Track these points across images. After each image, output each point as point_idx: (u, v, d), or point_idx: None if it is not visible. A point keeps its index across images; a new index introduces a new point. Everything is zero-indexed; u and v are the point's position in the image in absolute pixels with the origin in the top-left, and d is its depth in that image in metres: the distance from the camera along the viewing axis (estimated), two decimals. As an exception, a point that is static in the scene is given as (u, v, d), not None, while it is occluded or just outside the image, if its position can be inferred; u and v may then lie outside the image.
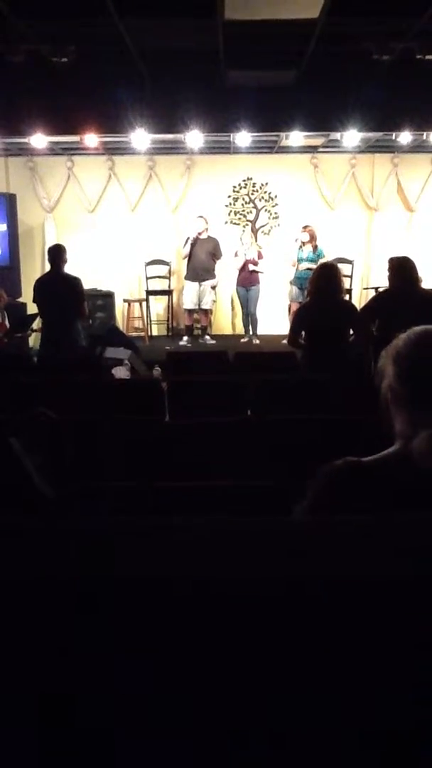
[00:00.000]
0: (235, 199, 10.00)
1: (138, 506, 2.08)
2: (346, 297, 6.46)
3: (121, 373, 5.79)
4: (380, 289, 5.87)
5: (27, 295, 8.13)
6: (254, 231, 9.74)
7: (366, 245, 10.07)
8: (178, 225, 9.80)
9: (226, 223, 9.91)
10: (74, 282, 5.88)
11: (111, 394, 3.98)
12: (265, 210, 10.02)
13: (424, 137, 8.36)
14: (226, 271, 9.20)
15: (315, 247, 8.68)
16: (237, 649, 0.78)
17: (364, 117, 6.92)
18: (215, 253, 8.90)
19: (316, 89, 6.56)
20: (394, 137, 8.39)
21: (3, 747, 0.79)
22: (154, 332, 9.88)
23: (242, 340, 8.96)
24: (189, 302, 8.99)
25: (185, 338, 9.05)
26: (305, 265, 8.52)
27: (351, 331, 4.66)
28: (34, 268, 9.65)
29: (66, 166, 9.69)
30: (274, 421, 2.97)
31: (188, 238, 8.86)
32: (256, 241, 9.26)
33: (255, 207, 10.01)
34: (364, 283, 10.00)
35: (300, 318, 4.78)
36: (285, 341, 5.14)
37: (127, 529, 0.90)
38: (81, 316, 6.14)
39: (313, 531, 0.92)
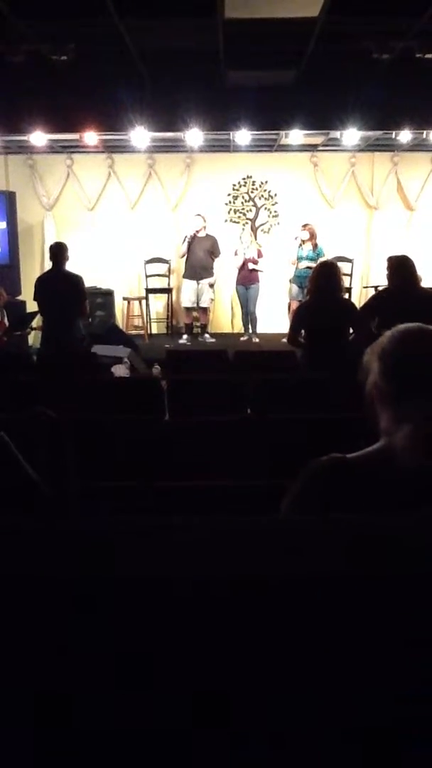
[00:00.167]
0: (235, 198, 9.99)
1: (138, 506, 2.08)
2: (346, 295, 6.46)
3: (120, 371, 5.80)
4: (380, 288, 5.87)
5: (26, 294, 8.14)
6: (254, 229, 9.73)
7: (366, 244, 10.07)
8: (178, 223, 9.80)
9: (226, 221, 9.90)
10: (76, 280, 5.88)
11: (110, 392, 3.98)
12: (265, 208, 10.02)
13: (424, 136, 8.37)
14: (226, 270, 9.20)
15: (315, 246, 8.67)
16: (237, 649, 0.78)
17: (364, 116, 6.91)
18: (213, 251, 8.89)
19: (316, 88, 6.55)
20: (394, 136, 8.40)
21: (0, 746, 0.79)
22: (154, 330, 9.88)
23: (242, 339, 8.96)
24: (187, 300, 8.99)
25: (185, 337, 9.05)
26: (305, 263, 8.51)
27: (351, 330, 4.66)
28: (33, 267, 9.65)
29: (65, 164, 9.68)
30: (273, 420, 2.98)
31: (186, 237, 8.86)
32: (255, 239, 9.25)
33: (255, 205, 10.00)
34: (364, 281, 10.00)
35: (300, 316, 4.78)
36: (285, 340, 5.14)
37: (127, 529, 0.91)
38: (82, 315, 6.13)
39: (313, 530, 0.92)
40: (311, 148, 9.35)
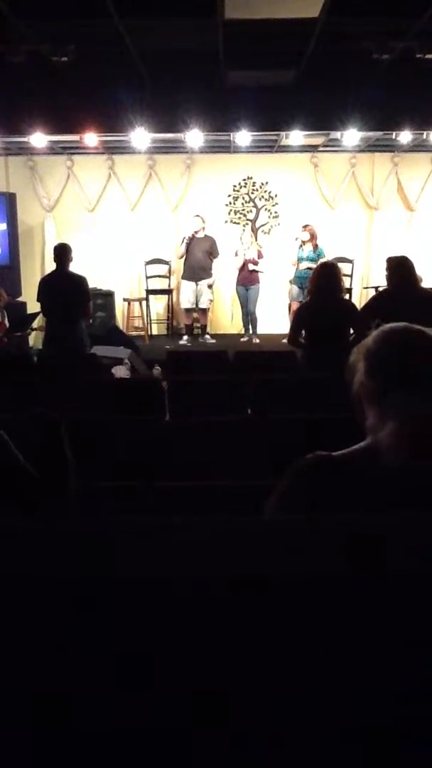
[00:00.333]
0: (235, 199, 9.99)
1: (138, 506, 2.08)
2: (347, 296, 6.46)
3: (121, 372, 5.80)
4: (380, 289, 5.87)
5: (27, 295, 8.15)
6: (254, 230, 9.74)
7: (366, 244, 10.07)
8: (178, 224, 9.80)
9: (226, 222, 9.91)
10: (80, 281, 5.86)
11: (111, 393, 3.99)
12: (265, 209, 10.02)
13: (424, 136, 8.36)
14: (226, 270, 9.20)
15: (315, 246, 8.67)
16: (237, 649, 0.78)
17: (364, 116, 6.92)
18: (212, 252, 8.89)
19: (316, 89, 6.56)
20: (394, 136, 8.40)
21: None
22: (154, 331, 9.89)
23: (242, 340, 8.96)
24: (186, 301, 9.00)
25: (185, 337, 9.05)
26: (305, 264, 8.52)
27: (351, 331, 4.66)
28: (33, 268, 9.66)
29: (66, 166, 9.69)
30: (274, 420, 2.98)
31: (184, 238, 8.86)
32: (256, 240, 9.26)
33: (255, 206, 10.01)
34: (364, 282, 10.00)
35: (300, 317, 4.78)
36: (285, 340, 5.14)
37: (127, 529, 0.91)
38: (85, 316, 6.11)
39: (314, 530, 0.92)
40: (311, 148, 9.36)
